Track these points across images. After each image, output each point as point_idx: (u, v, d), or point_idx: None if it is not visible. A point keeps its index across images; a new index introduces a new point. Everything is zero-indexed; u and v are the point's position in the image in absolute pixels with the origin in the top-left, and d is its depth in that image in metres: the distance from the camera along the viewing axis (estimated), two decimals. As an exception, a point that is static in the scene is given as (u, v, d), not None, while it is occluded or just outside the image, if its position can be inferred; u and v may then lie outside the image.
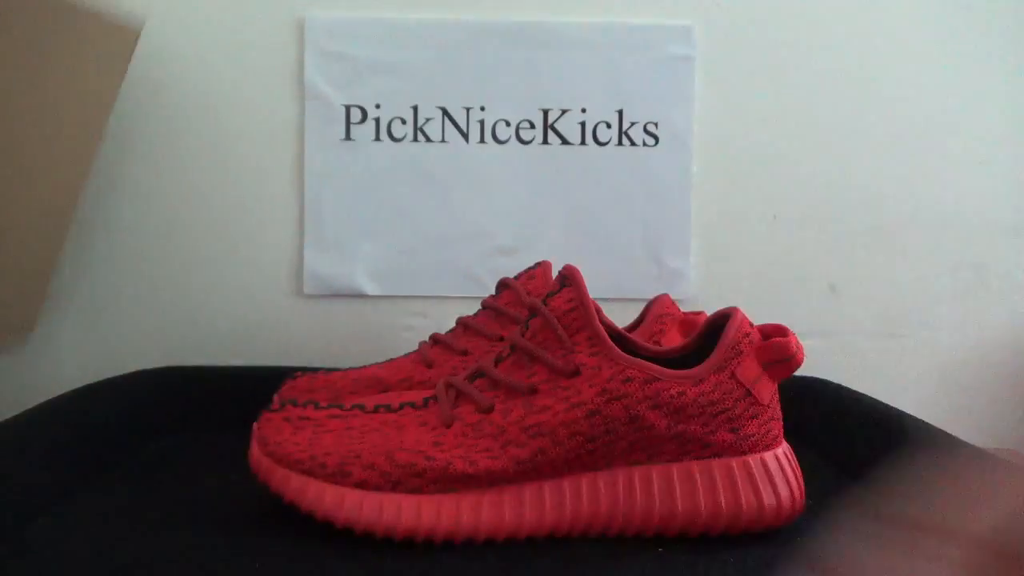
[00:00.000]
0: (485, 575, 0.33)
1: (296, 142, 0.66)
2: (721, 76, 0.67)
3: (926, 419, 0.47)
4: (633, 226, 0.68)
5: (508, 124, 0.67)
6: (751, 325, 0.38)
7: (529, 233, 0.68)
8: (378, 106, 0.66)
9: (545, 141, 0.67)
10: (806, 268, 0.69)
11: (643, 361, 0.36)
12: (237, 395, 0.55)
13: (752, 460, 0.36)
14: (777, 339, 0.36)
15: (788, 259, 0.69)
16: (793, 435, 0.40)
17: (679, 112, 0.67)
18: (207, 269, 0.67)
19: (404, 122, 0.67)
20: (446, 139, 0.67)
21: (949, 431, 0.44)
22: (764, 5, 0.67)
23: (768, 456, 0.37)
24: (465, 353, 0.50)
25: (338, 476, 0.35)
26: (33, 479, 0.41)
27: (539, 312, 0.38)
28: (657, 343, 0.46)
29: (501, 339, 0.50)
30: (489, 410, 0.37)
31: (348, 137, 0.66)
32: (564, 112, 0.67)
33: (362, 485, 0.35)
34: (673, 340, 0.46)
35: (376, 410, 0.39)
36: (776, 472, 0.37)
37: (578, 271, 0.38)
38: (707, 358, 0.36)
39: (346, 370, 0.51)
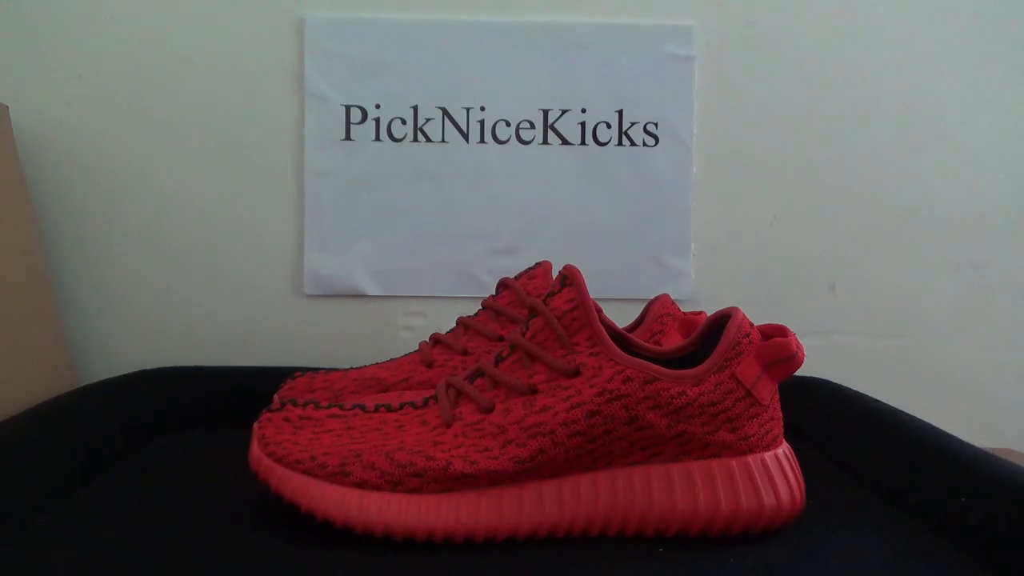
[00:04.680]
0: (485, 575, 0.33)
1: (296, 142, 0.66)
2: (721, 76, 0.67)
3: (926, 419, 0.47)
4: (633, 226, 0.68)
5: (508, 124, 0.67)
6: (751, 325, 0.37)
7: (529, 233, 0.68)
8: (378, 106, 0.66)
9: (545, 141, 0.67)
10: (806, 268, 0.69)
11: (643, 361, 0.36)
12: (237, 395, 0.56)
13: (752, 460, 0.36)
14: (777, 339, 0.36)
15: (788, 259, 0.69)
16: (793, 435, 0.40)
17: (679, 112, 0.67)
18: (207, 269, 0.67)
19: (404, 122, 0.67)
20: (446, 139, 0.67)
21: (949, 431, 0.44)
22: (764, 5, 0.67)
23: (768, 456, 0.37)
24: (465, 353, 0.50)
25: (338, 476, 0.35)
26: (33, 479, 0.41)
27: (539, 312, 0.38)
28: (657, 343, 0.46)
29: (501, 339, 0.50)
30: (489, 410, 0.37)
31: (348, 137, 0.66)
32: (564, 112, 0.67)
33: (362, 485, 0.35)
34: (673, 340, 0.46)
35: (376, 410, 0.39)
36: (776, 472, 0.37)
37: (578, 271, 0.38)
38: (707, 358, 0.36)
39: (346, 370, 0.51)
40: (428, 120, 0.67)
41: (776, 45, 0.68)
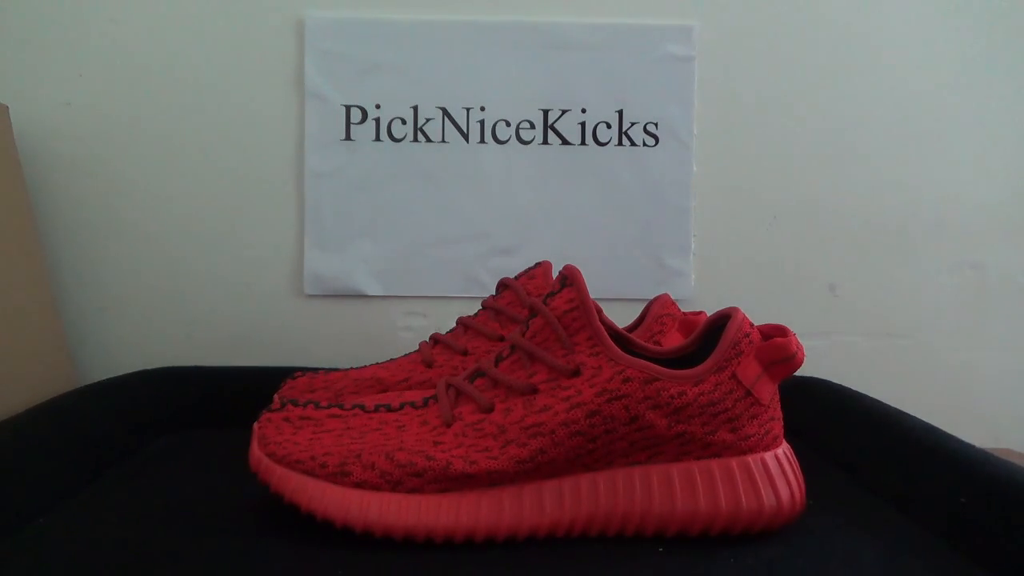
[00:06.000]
0: (485, 575, 0.33)
1: (296, 142, 0.66)
2: (721, 76, 0.67)
3: (926, 419, 0.47)
4: (633, 226, 0.68)
5: (508, 124, 0.67)
6: (751, 325, 0.37)
7: (529, 233, 0.68)
8: (378, 106, 0.66)
9: (545, 141, 0.67)
10: (806, 268, 0.69)
11: (643, 361, 0.36)
12: (237, 395, 0.56)
13: (752, 460, 0.36)
14: (777, 339, 0.36)
15: (788, 259, 0.69)
16: (793, 435, 0.40)
17: (679, 112, 0.67)
18: (207, 269, 0.67)
19: (404, 122, 0.67)
20: (446, 139, 0.67)
21: (949, 431, 0.44)
22: (764, 5, 0.67)
23: (768, 456, 0.37)
24: (465, 353, 0.50)
25: (338, 476, 0.35)
26: (33, 479, 0.41)
27: (539, 312, 0.38)
28: (657, 343, 0.46)
29: (501, 339, 0.50)
30: (489, 410, 0.37)
31: (348, 137, 0.66)
32: (564, 112, 0.67)
33: (362, 485, 0.35)
34: (673, 340, 0.46)
35: (376, 410, 0.39)
36: (776, 472, 0.37)
37: (578, 271, 0.38)
38: (707, 358, 0.36)
39: (346, 370, 0.51)
40: (428, 120, 0.67)
41: (776, 45, 0.68)
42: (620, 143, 0.67)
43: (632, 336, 0.40)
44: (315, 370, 0.52)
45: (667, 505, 0.36)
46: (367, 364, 0.54)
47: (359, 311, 0.68)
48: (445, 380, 0.40)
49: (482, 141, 0.67)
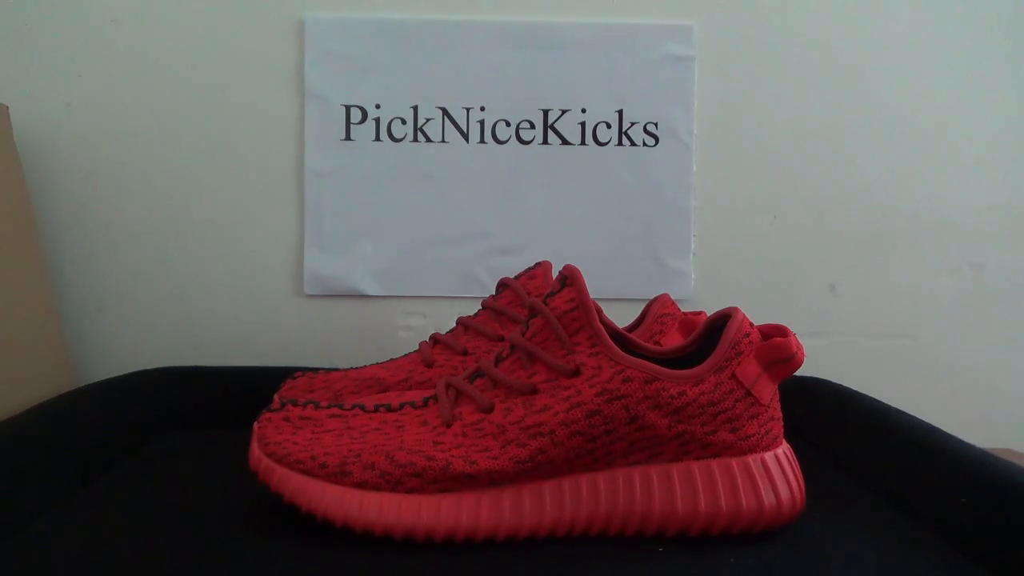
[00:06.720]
0: (485, 575, 0.33)
1: (296, 142, 0.66)
2: (721, 76, 0.67)
3: (926, 419, 0.47)
4: (633, 226, 0.68)
5: (508, 124, 0.67)
6: (751, 325, 0.37)
7: (529, 233, 0.68)
8: (378, 106, 0.66)
9: (545, 141, 0.67)
10: (806, 268, 0.69)
11: (643, 361, 0.36)
12: (237, 395, 0.56)
13: (752, 460, 0.36)
14: (777, 339, 0.36)
15: (788, 259, 0.69)
16: (793, 435, 0.40)
17: (679, 112, 0.67)
18: (207, 269, 0.67)
19: (404, 122, 0.67)
20: (446, 139, 0.67)
21: (949, 431, 0.44)
22: (764, 5, 0.67)
23: (768, 456, 0.37)
24: (465, 353, 0.50)
25: (338, 476, 0.35)
26: (33, 479, 0.41)
27: (539, 312, 0.38)
28: (657, 343, 0.46)
29: (501, 339, 0.50)
30: (489, 410, 0.37)
31: (348, 137, 0.66)
32: (564, 112, 0.67)
33: (362, 485, 0.35)
34: (673, 340, 0.46)
35: (376, 410, 0.39)
36: (776, 472, 0.37)
37: (578, 271, 0.38)
38: (707, 358, 0.36)
39: (346, 370, 0.51)
40: (428, 120, 0.67)
41: (776, 45, 0.68)
42: (620, 143, 0.67)
43: (632, 336, 0.40)
44: (315, 370, 0.52)
45: (667, 505, 0.36)
46: (367, 364, 0.54)
47: (359, 311, 0.68)
48: (445, 380, 0.40)
49: (482, 141, 0.67)
